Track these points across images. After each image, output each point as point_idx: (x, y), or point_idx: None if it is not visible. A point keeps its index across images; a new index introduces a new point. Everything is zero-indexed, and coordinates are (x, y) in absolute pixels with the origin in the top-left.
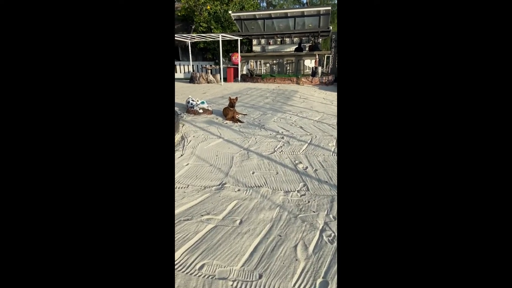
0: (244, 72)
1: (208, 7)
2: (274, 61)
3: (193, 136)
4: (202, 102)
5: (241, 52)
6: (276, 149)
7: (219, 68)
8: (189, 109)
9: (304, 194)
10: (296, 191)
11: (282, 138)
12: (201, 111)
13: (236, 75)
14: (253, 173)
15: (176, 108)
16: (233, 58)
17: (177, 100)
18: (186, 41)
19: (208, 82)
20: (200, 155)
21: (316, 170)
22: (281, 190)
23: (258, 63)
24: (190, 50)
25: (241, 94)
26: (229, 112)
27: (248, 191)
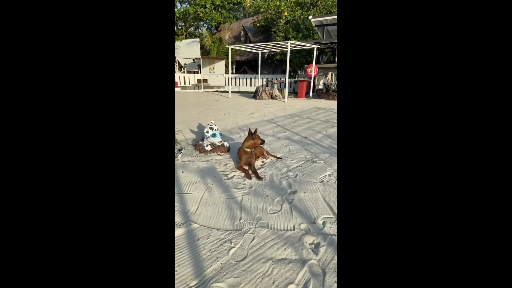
0: (320, 87)
1: (286, 13)
2: None
3: None
4: (213, 135)
5: (319, 63)
6: None
7: (285, 81)
8: (198, 142)
9: None
10: None
11: (316, 249)
12: (208, 148)
13: (309, 90)
14: None
15: (187, 137)
16: (308, 70)
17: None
18: (265, 52)
19: (271, 98)
20: None
21: None
22: None
23: None
24: (259, 61)
25: (298, 118)
26: (242, 157)
27: None
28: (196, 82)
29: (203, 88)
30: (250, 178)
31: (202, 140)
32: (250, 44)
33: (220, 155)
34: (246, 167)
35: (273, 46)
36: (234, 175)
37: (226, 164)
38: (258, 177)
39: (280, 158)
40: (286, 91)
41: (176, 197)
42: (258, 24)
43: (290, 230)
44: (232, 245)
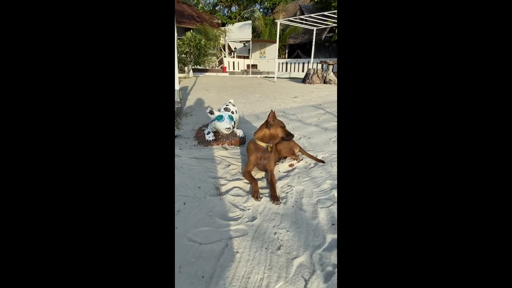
0: None
1: None
2: None
3: None
4: (219, 118)
5: None
6: None
7: None
8: (200, 128)
9: None
10: None
11: None
12: (209, 137)
13: None
14: None
15: (195, 120)
16: None
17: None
18: (321, 30)
19: (324, 82)
20: None
21: None
22: None
23: None
24: (314, 42)
25: None
26: (251, 156)
27: None
28: (245, 68)
29: (252, 74)
30: (257, 197)
31: (208, 126)
32: (301, 16)
33: (226, 148)
34: (257, 175)
35: (331, 19)
36: (234, 188)
37: (229, 165)
38: (274, 197)
39: (322, 162)
40: None
41: None
42: (316, 0)
43: None
44: None
